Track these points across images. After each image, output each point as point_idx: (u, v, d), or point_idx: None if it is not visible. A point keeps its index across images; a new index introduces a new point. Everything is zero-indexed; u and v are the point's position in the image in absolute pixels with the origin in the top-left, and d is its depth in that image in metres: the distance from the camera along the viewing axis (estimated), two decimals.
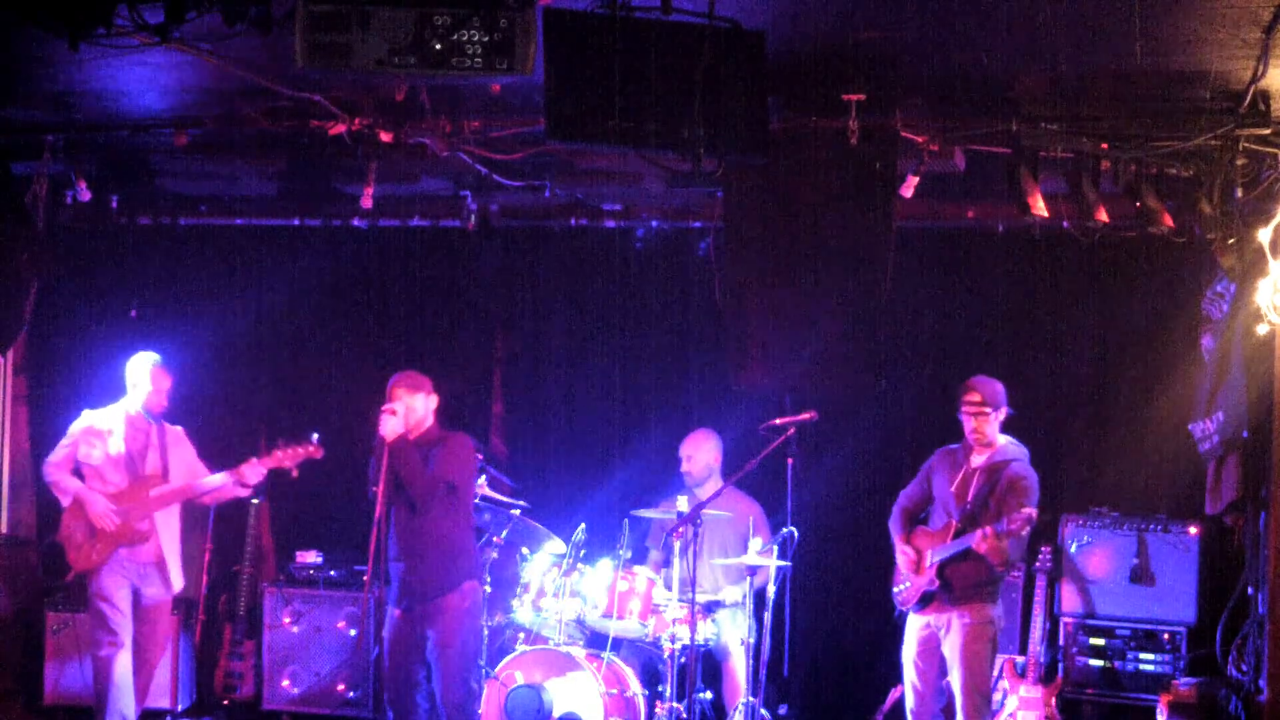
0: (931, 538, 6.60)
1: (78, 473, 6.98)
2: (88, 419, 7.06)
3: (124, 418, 7.04)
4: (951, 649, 6.48)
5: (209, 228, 8.63)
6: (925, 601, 6.55)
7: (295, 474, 6.95)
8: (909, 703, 6.69)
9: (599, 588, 7.17)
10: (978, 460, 6.59)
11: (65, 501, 6.96)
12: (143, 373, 7.05)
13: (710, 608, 7.38)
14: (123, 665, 6.84)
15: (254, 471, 6.88)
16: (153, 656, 7.09)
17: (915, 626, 6.64)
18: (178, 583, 7.04)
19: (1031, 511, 6.24)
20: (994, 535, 6.25)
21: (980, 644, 6.43)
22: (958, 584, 6.46)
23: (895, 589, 6.75)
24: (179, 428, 7.21)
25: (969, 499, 6.53)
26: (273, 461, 6.85)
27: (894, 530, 6.80)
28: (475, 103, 6.25)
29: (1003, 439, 6.61)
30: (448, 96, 6.19)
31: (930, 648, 6.58)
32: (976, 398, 6.50)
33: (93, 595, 6.87)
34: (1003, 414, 6.57)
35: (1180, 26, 5.06)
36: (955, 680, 6.46)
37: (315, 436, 6.85)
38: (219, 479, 6.96)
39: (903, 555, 6.69)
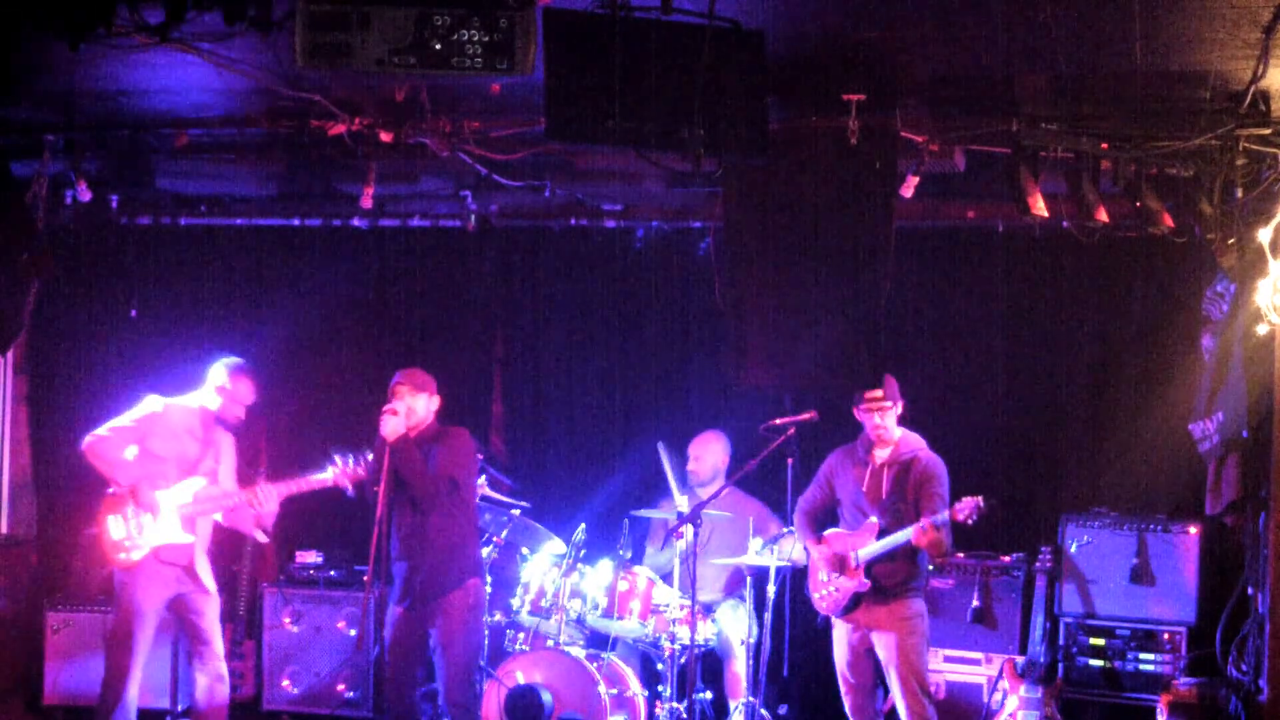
0: (853, 538, 6.58)
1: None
2: (160, 404, 6.82)
3: (200, 417, 6.86)
4: (887, 646, 6.47)
5: (209, 228, 8.63)
6: (854, 604, 6.53)
7: (352, 492, 6.61)
8: (848, 704, 6.69)
9: (599, 588, 7.17)
10: (882, 455, 6.62)
11: (118, 477, 6.64)
12: (227, 378, 6.86)
13: (710, 607, 7.39)
14: (134, 688, 6.69)
15: (268, 497, 6.69)
16: (215, 644, 6.86)
17: (845, 631, 6.63)
18: (211, 585, 6.87)
19: (979, 500, 6.25)
20: (932, 528, 6.27)
21: (916, 637, 6.46)
22: (887, 582, 6.47)
23: (815, 594, 6.73)
24: (229, 434, 7.03)
25: (884, 495, 6.55)
26: (300, 486, 6.66)
27: (804, 537, 6.79)
28: (475, 103, 6.24)
29: (900, 431, 6.65)
30: (448, 96, 6.19)
31: (863, 651, 6.58)
32: (878, 394, 6.49)
33: (126, 604, 6.67)
34: (900, 408, 6.61)
35: (1180, 26, 5.06)
36: (893, 676, 6.45)
37: (370, 455, 6.51)
38: (233, 495, 6.77)
39: (823, 559, 6.66)
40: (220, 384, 6.88)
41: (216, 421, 6.92)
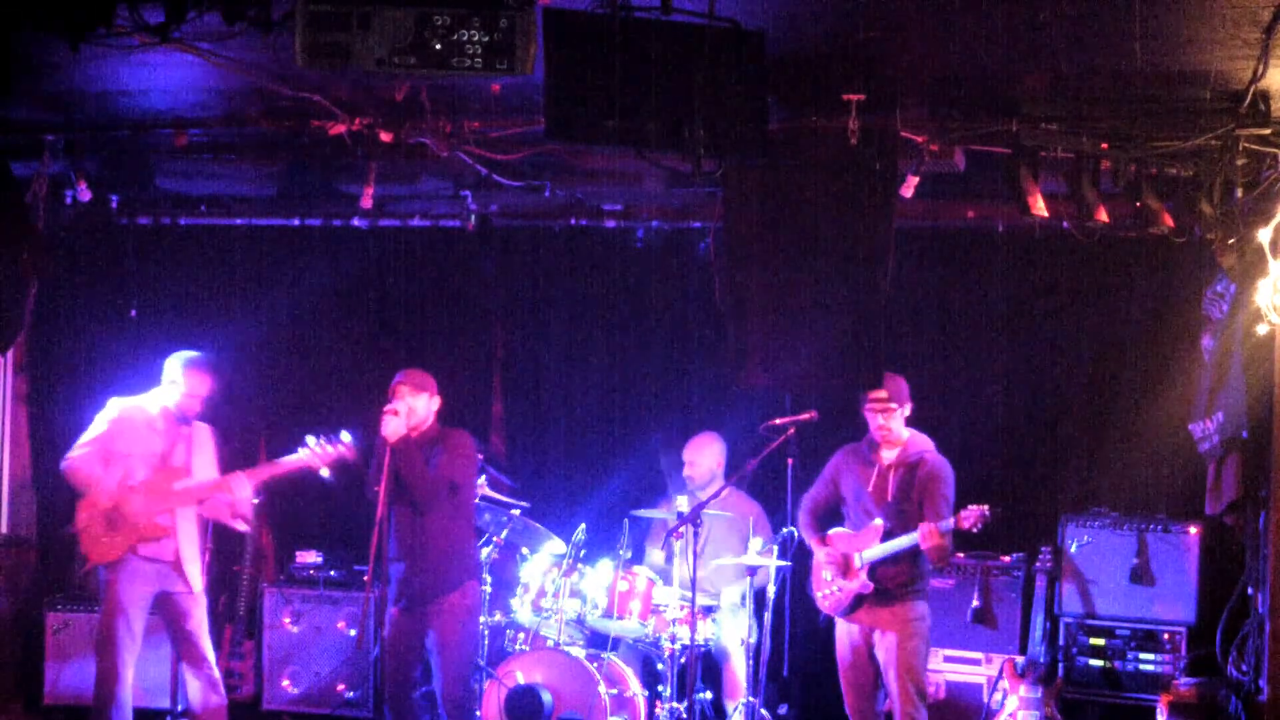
0: (857, 539, 6.57)
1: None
2: (118, 408, 6.87)
3: (160, 412, 6.88)
4: (887, 647, 6.45)
5: (209, 228, 8.64)
6: (857, 605, 6.52)
7: (328, 474, 6.67)
8: (848, 704, 6.66)
9: (599, 588, 7.17)
10: (889, 456, 6.59)
11: (99, 492, 6.69)
12: (179, 373, 6.87)
13: (710, 608, 7.38)
14: (127, 688, 6.69)
15: (240, 484, 6.73)
16: (202, 646, 6.86)
17: (846, 632, 6.61)
18: (197, 584, 6.85)
19: (984, 509, 6.24)
20: (938, 533, 6.25)
21: (916, 639, 6.44)
22: (891, 584, 6.45)
23: (818, 594, 6.71)
24: (207, 426, 7.04)
25: (890, 497, 6.53)
26: (273, 469, 6.73)
27: (808, 535, 6.78)
28: (475, 103, 6.24)
29: (907, 433, 6.63)
30: (448, 96, 6.18)
31: (865, 651, 6.56)
32: (883, 394, 6.47)
33: (108, 601, 6.69)
34: (908, 409, 6.58)
35: (1180, 26, 5.06)
36: (891, 676, 6.44)
37: (346, 435, 6.58)
38: (209, 486, 6.80)
39: (827, 559, 6.65)
40: (173, 379, 6.89)
41: (178, 416, 6.91)
